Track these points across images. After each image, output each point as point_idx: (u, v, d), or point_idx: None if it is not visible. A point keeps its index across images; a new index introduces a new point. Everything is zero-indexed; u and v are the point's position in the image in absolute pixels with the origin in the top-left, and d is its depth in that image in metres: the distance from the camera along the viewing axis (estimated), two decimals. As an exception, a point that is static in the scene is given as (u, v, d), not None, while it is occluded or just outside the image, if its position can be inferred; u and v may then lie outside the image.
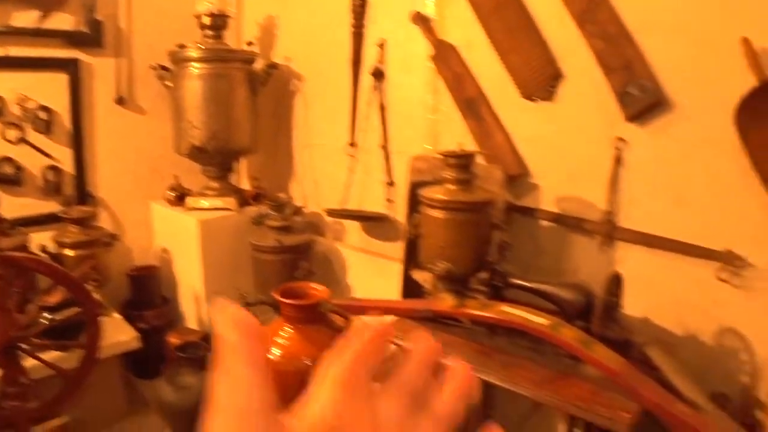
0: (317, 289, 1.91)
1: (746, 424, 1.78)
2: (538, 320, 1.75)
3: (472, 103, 2.51)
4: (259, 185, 3.20)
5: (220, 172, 3.20)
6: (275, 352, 1.82)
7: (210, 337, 2.87)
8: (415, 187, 2.50)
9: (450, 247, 1.97)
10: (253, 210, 3.12)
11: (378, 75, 2.80)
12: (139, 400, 3.10)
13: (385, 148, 2.82)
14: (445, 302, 1.96)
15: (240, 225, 3.09)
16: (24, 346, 2.40)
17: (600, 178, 2.15)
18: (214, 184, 3.20)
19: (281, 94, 3.39)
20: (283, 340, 1.83)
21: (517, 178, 2.39)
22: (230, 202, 3.10)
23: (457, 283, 2.04)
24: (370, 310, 1.91)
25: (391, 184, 2.82)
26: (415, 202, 2.50)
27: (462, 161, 2.00)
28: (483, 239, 2.02)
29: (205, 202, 3.12)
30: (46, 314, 2.58)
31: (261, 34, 3.44)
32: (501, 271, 1.97)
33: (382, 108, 2.82)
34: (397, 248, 2.84)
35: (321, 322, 1.88)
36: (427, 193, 2.03)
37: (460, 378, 0.43)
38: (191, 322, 3.24)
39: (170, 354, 2.93)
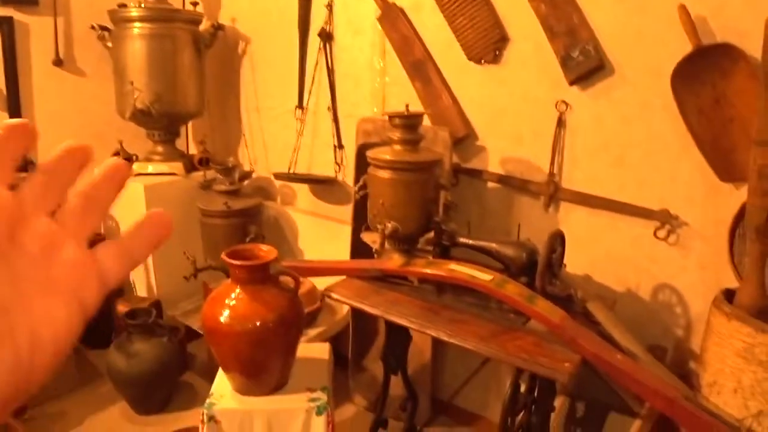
0: (265, 251, 1.93)
1: (680, 374, 1.89)
2: (484, 277, 1.80)
3: (419, 66, 2.51)
4: (205, 149, 3.14)
5: (166, 136, 3.14)
6: (225, 314, 1.84)
7: (159, 303, 2.85)
8: (362, 149, 2.50)
9: (397, 207, 1.99)
10: (200, 175, 3.07)
11: (326, 37, 2.77)
12: (90, 370, 3.07)
13: (333, 110, 2.82)
14: (393, 261, 1.99)
15: (187, 190, 3.04)
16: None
17: (544, 140, 2.21)
18: (160, 149, 3.14)
19: (228, 57, 3.32)
20: (233, 301, 1.85)
21: (464, 140, 2.42)
22: (177, 167, 3.05)
23: (404, 242, 2.07)
24: (319, 271, 1.94)
25: (339, 147, 2.82)
26: (362, 164, 2.51)
27: (408, 122, 2.01)
28: (429, 199, 2.05)
29: (151, 167, 3.05)
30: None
31: (205, -7, 3.35)
32: (447, 230, 2.00)
33: (330, 70, 2.80)
34: (346, 211, 2.85)
35: (270, 283, 1.91)
36: (373, 153, 2.04)
37: (108, 165, 0.41)
38: (140, 290, 3.20)
39: (119, 322, 2.90)
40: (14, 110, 3.04)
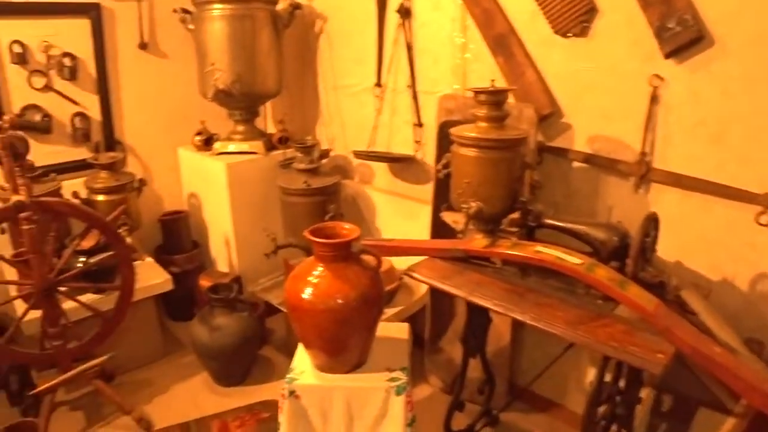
0: (348, 229, 1.92)
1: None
2: (573, 260, 1.74)
3: (502, 40, 2.44)
4: (285, 128, 3.18)
5: (246, 115, 3.18)
6: (308, 291, 1.84)
7: (240, 279, 2.92)
8: (444, 127, 2.47)
9: (482, 186, 1.95)
10: (279, 154, 3.12)
11: (404, 13, 2.73)
12: (174, 342, 3.20)
13: (412, 88, 2.78)
14: (477, 242, 1.96)
15: (267, 168, 3.09)
16: (62, 288, 2.47)
17: (635, 117, 2.10)
18: (240, 128, 3.19)
19: (304, 36, 3.33)
20: (315, 279, 1.86)
21: (549, 117, 2.34)
22: (257, 146, 3.10)
23: (488, 223, 2.02)
24: (401, 250, 1.91)
25: (419, 125, 2.78)
26: (444, 143, 2.48)
27: (494, 98, 1.96)
28: (515, 178, 1.99)
29: (232, 146, 3.11)
30: (81, 258, 2.64)
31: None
32: (534, 210, 1.94)
33: (409, 47, 2.75)
34: (426, 190, 2.83)
35: (352, 261, 1.90)
36: (458, 131, 2.00)
37: None
38: (221, 265, 3.29)
39: (202, 296, 2.98)
40: (103, 93, 3.17)
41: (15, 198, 2.14)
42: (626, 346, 1.57)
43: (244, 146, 3.11)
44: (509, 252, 1.87)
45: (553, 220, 1.95)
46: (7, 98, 2.92)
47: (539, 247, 1.84)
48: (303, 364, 2.01)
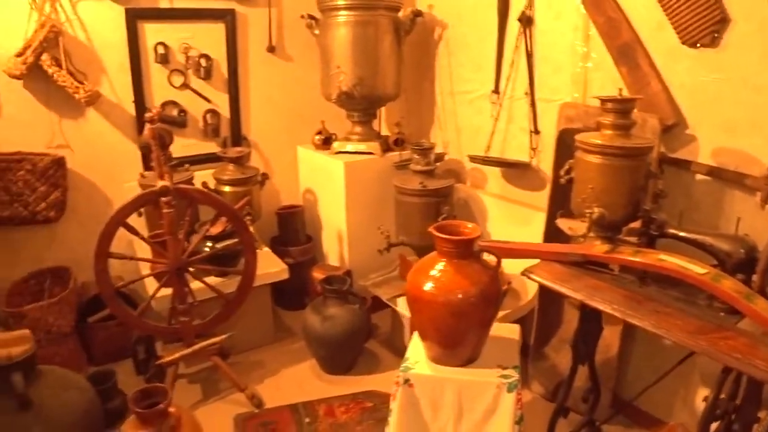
0: (470, 228, 1.99)
1: None
2: (697, 270, 1.73)
3: (626, 50, 2.44)
4: (401, 131, 3.29)
5: (365, 117, 3.32)
6: (429, 284, 1.93)
7: (351, 273, 3.04)
8: (564, 135, 2.50)
9: (604, 193, 1.97)
10: (395, 155, 3.23)
11: (526, 21, 2.78)
12: (283, 328, 3.37)
13: (530, 95, 2.82)
14: (598, 248, 1.97)
15: (382, 169, 3.22)
16: (191, 269, 2.67)
17: (764, 130, 2.06)
18: (358, 129, 3.34)
19: (423, 42, 3.44)
20: (437, 273, 1.94)
21: (672, 128, 2.32)
22: (374, 146, 3.23)
23: (607, 229, 2.04)
24: (518, 252, 1.96)
25: (535, 132, 2.82)
26: (563, 150, 2.51)
27: (621, 107, 1.98)
28: (638, 187, 2.00)
29: (350, 146, 3.26)
30: (208, 243, 2.84)
31: (403, -19, 3.49)
32: (657, 219, 1.94)
33: (529, 55, 2.80)
34: (538, 197, 2.86)
35: (473, 258, 1.97)
36: (583, 137, 2.03)
37: None
38: (332, 259, 3.44)
39: (314, 287, 3.14)
40: (233, 92, 3.40)
41: (161, 183, 2.34)
42: (750, 358, 1.55)
43: (362, 146, 3.25)
44: (631, 259, 1.87)
45: (676, 230, 1.95)
46: (150, 94, 3.19)
47: (662, 255, 1.84)
48: (417, 354, 2.09)
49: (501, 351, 2.12)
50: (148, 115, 2.40)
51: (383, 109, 3.66)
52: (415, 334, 2.15)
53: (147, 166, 3.19)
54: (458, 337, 1.98)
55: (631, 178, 1.99)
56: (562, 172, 2.17)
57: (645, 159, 2.02)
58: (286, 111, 3.63)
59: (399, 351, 3.11)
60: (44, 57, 2.82)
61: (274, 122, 3.62)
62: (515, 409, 1.97)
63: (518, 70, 2.87)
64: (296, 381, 2.93)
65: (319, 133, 3.39)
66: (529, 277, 2.04)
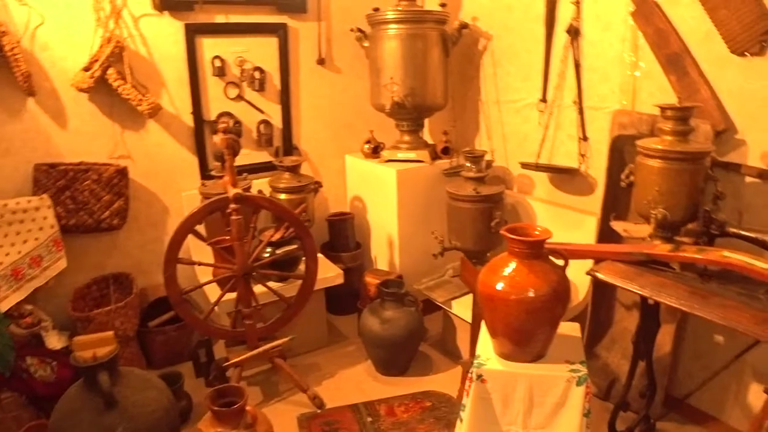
0: (540, 230, 2.08)
1: None
2: (762, 265, 1.82)
3: (675, 59, 2.54)
4: (448, 140, 3.40)
5: (413, 126, 3.43)
6: (501, 283, 2.02)
7: (402, 277, 3.12)
8: (617, 141, 2.60)
9: (666, 195, 2.07)
10: (444, 162, 3.34)
11: (573, 33, 2.88)
12: (335, 332, 3.47)
13: (578, 104, 2.91)
14: (662, 247, 2.06)
15: (432, 176, 3.33)
16: (255, 274, 2.77)
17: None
18: (407, 138, 3.45)
19: (469, 52, 3.55)
20: (509, 272, 2.03)
21: (722, 133, 2.41)
22: (423, 154, 3.33)
23: (668, 230, 2.14)
24: (583, 253, 2.05)
25: (584, 138, 2.91)
26: (616, 155, 2.61)
27: (681, 114, 2.08)
28: (698, 189, 2.10)
29: (400, 155, 3.37)
30: (268, 249, 2.94)
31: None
32: (718, 219, 2.03)
33: (577, 65, 2.89)
34: (587, 201, 2.96)
35: (543, 259, 2.06)
36: (644, 143, 2.13)
37: None
38: (381, 264, 3.54)
39: (367, 291, 3.23)
40: (285, 103, 3.53)
41: (234, 191, 2.45)
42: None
43: (411, 155, 3.36)
44: (697, 256, 1.96)
45: (737, 229, 2.04)
46: (207, 106, 3.32)
47: (726, 252, 1.93)
48: (487, 351, 2.18)
49: (566, 347, 2.20)
50: (221, 125, 2.51)
51: (428, 118, 3.78)
52: (483, 332, 2.24)
53: (204, 175, 3.32)
54: (529, 334, 2.06)
55: (692, 181, 2.10)
56: (623, 176, 2.28)
57: (704, 162, 2.12)
58: (334, 121, 3.76)
59: (451, 353, 3.21)
60: (110, 71, 2.95)
61: (322, 132, 3.74)
62: (584, 402, 2.05)
63: (566, 80, 2.97)
64: (353, 382, 3.01)
65: (368, 142, 3.51)
66: (594, 276, 2.13)
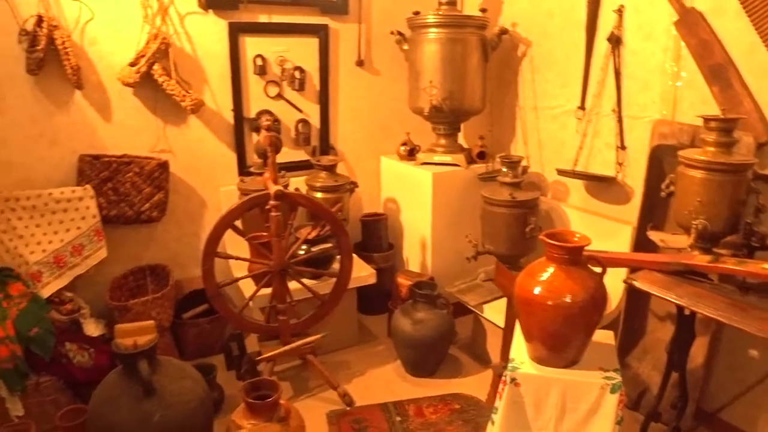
0: (579, 237, 2.09)
1: None
2: (805, 279, 1.81)
3: (719, 70, 2.52)
4: (484, 144, 3.41)
5: (450, 130, 3.46)
6: (539, 288, 2.03)
7: (434, 279, 3.14)
8: (656, 151, 2.60)
9: (708, 206, 2.07)
10: (479, 167, 3.36)
11: (615, 41, 2.87)
12: (365, 331, 3.50)
13: (618, 112, 2.91)
14: (701, 257, 2.06)
15: (467, 180, 3.35)
16: (290, 270, 2.81)
17: None
18: (443, 142, 3.47)
19: (507, 58, 3.56)
20: (547, 277, 2.04)
21: (764, 145, 2.39)
22: (459, 158, 3.35)
23: (707, 241, 2.13)
24: (620, 261, 2.06)
25: (622, 147, 2.91)
26: (655, 165, 2.61)
27: (725, 125, 2.08)
28: (739, 201, 2.09)
29: (436, 158, 3.40)
30: (303, 246, 2.98)
31: (486, 0, 3.61)
32: (759, 232, 2.03)
33: (617, 73, 2.89)
34: (623, 210, 2.95)
35: (581, 265, 2.07)
36: (687, 154, 2.13)
37: None
38: (412, 266, 3.57)
39: (399, 292, 3.25)
40: (323, 103, 3.58)
41: (276, 188, 2.49)
42: None
43: (447, 158, 3.38)
44: (736, 268, 1.96)
45: (779, 243, 2.03)
46: (247, 103, 3.37)
47: (766, 265, 1.93)
48: (521, 355, 2.19)
49: (600, 354, 2.20)
50: (265, 123, 2.56)
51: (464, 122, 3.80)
52: (518, 336, 2.25)
53: (242, 172, 3.38)
54: (564, 339, 2.07)
55: (733, 193, 2.09)
56: (663, 186, 2.28)
57: (746, 175, 2.12)
58: (371, 122, 3.81)
59: (480, 357, 3.22)
60: (155, 67, 3.01)
61: (359, 133, 3.79)
62: (617, 409, 2.05)
63: (605, 88, 2.96)
64: (383, 381, 3.04)
65: (404, 144, 3.54)
66: (632, 285, 2.14)
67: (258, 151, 2.59)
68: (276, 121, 3.40)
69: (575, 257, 2.04)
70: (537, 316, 2.05)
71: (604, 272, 2.09)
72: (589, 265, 2.11)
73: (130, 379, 2.22)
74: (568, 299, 1.99)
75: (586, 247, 2.04)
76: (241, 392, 2.27)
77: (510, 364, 2.15)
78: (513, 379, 2.12)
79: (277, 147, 2.59)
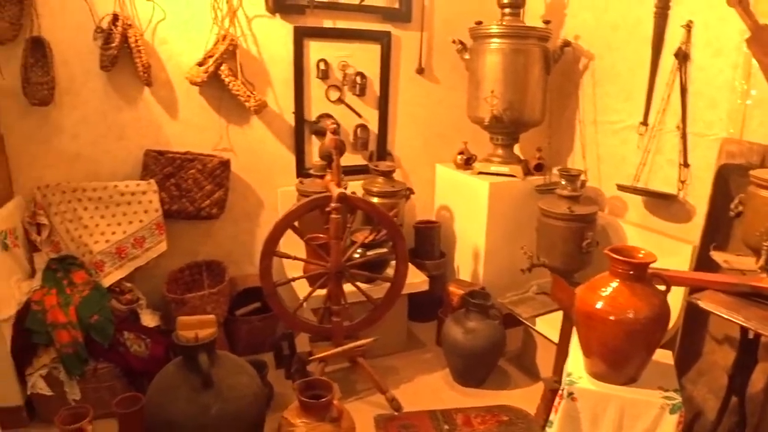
0: (645, 253, 2.07)
1: None
2: None
3: (792, 93, 2.48)
4: (542, 156, 3.40)
5: (508, 141, 3.45)
6: (601, 303, 2.01)
7: (485, 289, 3.12)
8: (723, 170, 2.55)
9: (779, 229, 2.02)
10: (536, 178, 3.35)
11: (682, 57, 2.84)
12: (413, 338, 3.51)
13: (682, 129, 2.86)
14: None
15: (524, 192, 3.34)
16: (346, 273, 2.83)
17: None
18: (500, 152, 3.46)
19: (568, 71, 3.54)
20: (610, 292, 2.03)
21: (840, 168, 2.35)
22: (516, 169, 3.35)
23: (775, 264, 2.09)
24: (685, 280, 2.02)
25: (685, 165, 2.86)
26: (721, 184, 2.56)
27: (803, 146, 2.04)
28: (815, 224, 2.05)
29: (493, 168, 3.39)
30: (358, 250, 3.00)
31: (548, 12, 3.62)
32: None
33: (683, 90, 2.85)
34: (682, 229, 2.90)
35: (645, 282, 2.05)
36: (759, 173, 2.09)
37: None
38: (463, 275, 3.57)
39: (450, 301, 3.26)
40: (382, 109, 3.62)
41: (339, 190, 2.52)
42: None
43: (504, 169, 3.38)
44: (810, 292, 1.92)
45: None
46: (308, 106, 3.43)
47: (843, 291, 1.88)
48: (578, 370, 2.17)
49: (659, 374, 2.17)
50: (331, 126, 2.60)
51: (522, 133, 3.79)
52: (574, 350, 2.23)
53: (300, 173, 3.43)
54: (624, 356, 2.05)
55: (809, 215, 2.04)
56: (732, 206, 2.24)
57: (822, 198, 2.07)
58: (428, 130, 3.83)
59: (528, 369, 3.20)
60: (223, 67, 3.09)
61: (415, 140, 3.81)
62: (676, 431, 2.02)
63: (670, 104, 2.92)
64: (430, 389, 3.05)
65: (461, 153, 3.54)
66: (696, 304, 2.10)
67: (322, 154, 2.63)
68: (335, 125, 3.44)
69: (640, 273, 2.02)
70: (598, 331, 2.04)
71: (668, 290, 2.06)
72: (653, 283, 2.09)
73: (189, 370, 2.28)
74: (631, 315, 1.97)
75: (653, 261, 2.02)
76: (295, 391, 2.30)
77: (567, 378, 2.13)
78: (570, 394, 2.10)
79: (341, 150, 2.63)
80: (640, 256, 2.06)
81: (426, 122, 3.80)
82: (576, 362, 2.21)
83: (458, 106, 3.65)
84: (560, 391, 2.13)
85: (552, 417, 2.15)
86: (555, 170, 3.57)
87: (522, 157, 3.57)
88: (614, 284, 2.03)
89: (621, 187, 3.07)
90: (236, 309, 3.28)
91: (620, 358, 2.05)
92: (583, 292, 2.10)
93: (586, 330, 2.10)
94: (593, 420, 2.10)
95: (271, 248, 2.69)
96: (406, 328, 3.40)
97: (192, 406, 2.21)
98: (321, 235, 2.86)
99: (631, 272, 2.01)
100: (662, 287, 2.07)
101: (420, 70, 3.65)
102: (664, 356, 2.30)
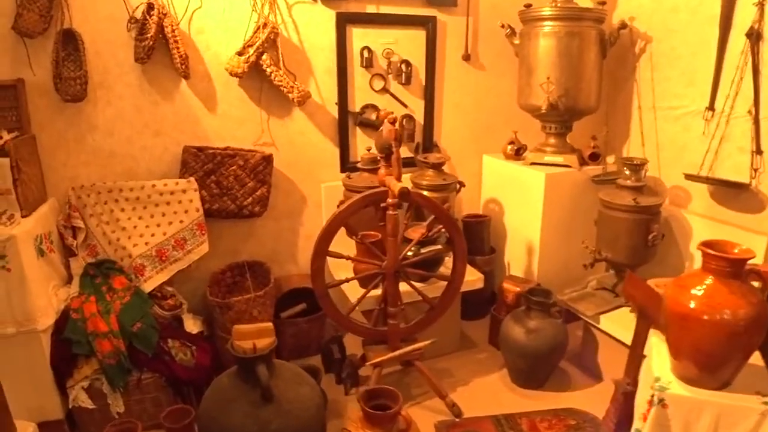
0: (742, 249, 1.92)
1: None
2: None
3: None
4: (597, 145, 3.23)
5: (561, 129, 3.28)
6: (694, 301, 1.86)
7: (540, 285, 2.97)
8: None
9: None
10: (591, 169, 3.19)
11: (755, 36, 2.67)
12: (464, 337, 3.36)
13: (754, 114, 2.70)
14: None
15: (580, 182, 3.18)
16: (402, 272, 2.69)
17: None
18: (552, 141, 3.30)
19: (623, 54, 3.38)
20: (704, 290, 1.87)
21: None
22: (571, 159, 3.18)
23: None
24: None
25: (758, 152, 2.70)
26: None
27: None
28: None
29: (547, 158, 3.23)
30: (411, 248, 2.86)
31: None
32: None
33: (756, 72, 2.68)
34: (755, 219, 2.75)
35: (742, 279, 1.89)
36: None
37: None
38: (515, 271, 3.42)
39: (504, 298, 3.11)
40: (429, 99, 3.46)
41: (400, 185, 2.36)
42: None
43: (558, 159, 3.22)
44: None
45: None
46: (352, 96, 3.28)
47: None
48: (667, 374, 2.02)
49: (753, 377, 2.02)
50: (391, 116, 2.45)
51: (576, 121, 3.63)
52: (656, 353, 2.09)
53: (344, 167, 3.28)
54: (719, 358, 1.90)
55: None
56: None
57: None
58: (475, 119, 3.66)
59: (589, 369, 3.05)
60: (264, 57, 2.94)
61: (462, 130, 3.65)
62: (781, 439, 1.88)
63: (741, 88, 2.75)
64: (489, 392, 2.91)
65: (512, 143, 3.38)
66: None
67: (381, 146, 2.47)
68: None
69: (737, 270, 1.86)
70: (691, 332, 1.88)
71: (765, 288, 1.91)
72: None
73: (245, 382, 2.13)
74: (728, 315, 1.82)
75: (752, 257, 1.87)
76: (360, 401, 2.16)
77: (657, 384, 1.99)
78: (661, 400, 1.95)
79: (400, 141, 2.48)
80: (736, 251, 1.91)
81: (473, 111, 3.63)
82: (662, 365, 2.06)
83: (506, 93, 3.50)
84: (650, 398, 1.98)
85: (640, 425, 2.00)
86: (611, 159, 3.42)
87: (575, 147, 3.41)
88: (709, 282, 1.88)
89: (689, 177, 2.90)
90: (280, 311, 3.14)
91: (715, 361, 1.90)
92: (673, 290, 1.95)
93: (677, 331, 1.94)
94: (685, 428, 1.95)
95: (323, 247, 2.54)
96: (459, 327, 3.26)
97: (250, 422, 2.05)
98: (371, 233, 2.72)
99: (728, 269, 1.85)
100: (757, 284, 1.92)
101: (466, 57, 3.47)
102: (755, 358, 2.15)
